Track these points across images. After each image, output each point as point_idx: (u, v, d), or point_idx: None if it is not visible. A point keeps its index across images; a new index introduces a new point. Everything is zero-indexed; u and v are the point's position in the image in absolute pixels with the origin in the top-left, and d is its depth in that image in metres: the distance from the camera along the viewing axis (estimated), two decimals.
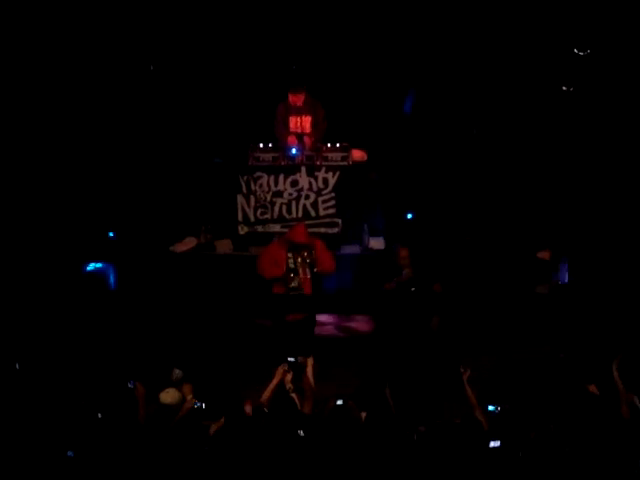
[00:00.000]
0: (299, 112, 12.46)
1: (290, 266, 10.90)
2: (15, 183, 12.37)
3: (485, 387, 8.54)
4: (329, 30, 13.05)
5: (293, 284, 10.90)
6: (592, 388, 8.26)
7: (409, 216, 12.88)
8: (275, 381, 8.30)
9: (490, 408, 7.86)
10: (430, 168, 13.22)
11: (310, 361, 8.63)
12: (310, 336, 10.78)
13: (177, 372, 9.64)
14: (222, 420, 7.95)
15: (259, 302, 11.30)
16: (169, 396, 8.49)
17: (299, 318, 10.86)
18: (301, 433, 7.56)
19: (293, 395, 8.37)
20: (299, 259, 10.94)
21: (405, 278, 10.95)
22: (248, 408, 7.92)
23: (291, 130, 12.48)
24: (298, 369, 8.73)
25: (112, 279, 12.26)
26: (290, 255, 10.93)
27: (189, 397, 8.84)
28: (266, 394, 8.14)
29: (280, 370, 8.39)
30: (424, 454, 7.33)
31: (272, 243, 11.56)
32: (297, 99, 12.41)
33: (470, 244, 12.52)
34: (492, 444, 7.34)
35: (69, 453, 7.68)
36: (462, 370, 8.37)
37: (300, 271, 10.93)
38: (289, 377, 8.48)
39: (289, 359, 8.46)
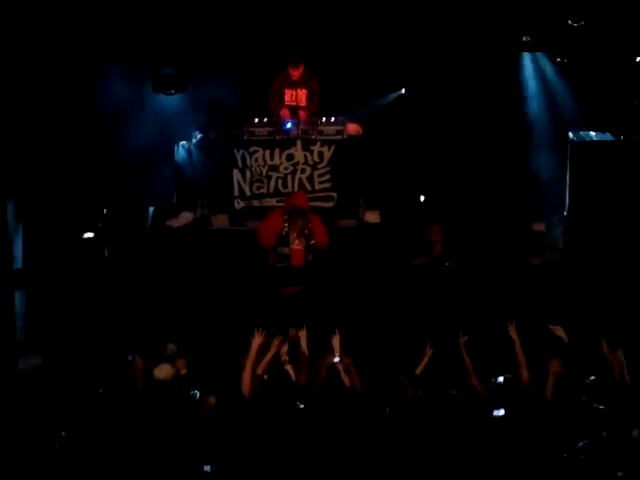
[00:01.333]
0: (294, 85, 12.47)
1: (283, 233, 10.97)
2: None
3: (480, 356, 8.59)
4: (325, 4, 13.00)
5: (281, 251, 11.02)
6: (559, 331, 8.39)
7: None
8: (270, 353, 8.34)
9: (499, 379, 7.91)
10: (426, 142, 13.22)
11: (303, 333, 8.68)
12: (305, 309, 10.80)
13: (171, 347, 9.66)
14: (212, 398, 8.02)
15: (255, 275, 11.33)
16: (163, 372, 8.50)
17: (295, 291, 10.92)
18: (300, 405, 7.61)
19: (288, 367, 8.42)
20: (294, 228, 11.02)
21: (437, 253, 11.13)
22: (245, 384, 7.93)
23: (286, 103, 12.50)
24: (293, 341, 8.81)
25: (106, 251, 12.28)
26: (286, 223, 11.09)
27: (183, 372, 8.90)
28: (261, 366, 8.18)
29: (275, 342, 8.43)
30: (423, 424, 7.39)
31: (273, 212, 11.65)
32: (296, 72, 12.42)
33: (467, 217, 12.55)
34: (496, 413, 7.41)
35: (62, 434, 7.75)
36: (460, 335, 8.46)
37: (293, 240, 11.03)
38: (284, 349, 8.54)
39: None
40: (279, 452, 7.29)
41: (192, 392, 8.08)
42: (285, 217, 11.31)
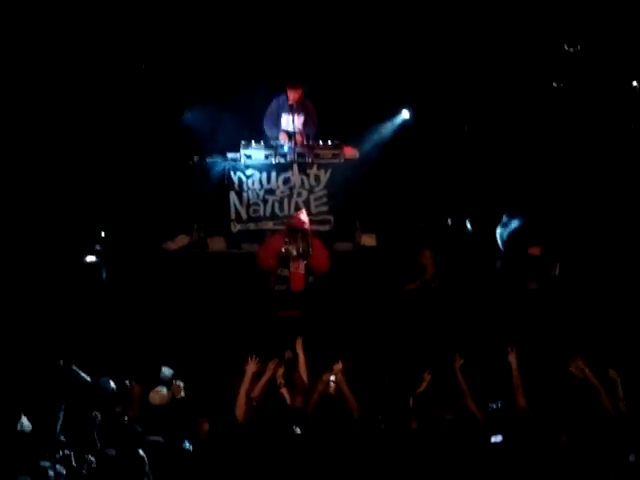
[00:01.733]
0: (291, 110, 12.50)
1: (282, 255, 11.02)
2: (9, 182, 12.36)
3: (476, 380, 8.59)
4: (322, 29, 13.05)
5: (281, 273, 11.05)
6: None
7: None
8: (266, 377, 8.32)
9: (493, 405, 7.90)
10: (422, 165, 13.25)
11: (302, 357, 8.66)
12: (304, 332, 10.78)
13: (167, 371, 9.64)
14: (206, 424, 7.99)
15: (251, 299, 11.32)
16: (158, 397, 8.52)
17: (293, 314, 10.92)
18: (297, 430, 7.60)
19: (283, 390, 8.40)
20: (294, 250, 11.03)
21: (429, 277, 11.15)
22: (239, 409, 7.91)
23: (283, 127, 12.52)
24: (290, 365, 8.80)
25: (104, 274, 12.26)
26: (286, 243, 11.16)
27: (179, 396, 8.87)
28: (257, 390, 8.16)
29: (271, 365, 8.41)
30: (420, 450, 7.37)
31: (274, 234, 11.70)
32: (295, 94, 12.46)
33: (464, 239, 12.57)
34: (494, 439, 7.39)
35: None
36: (456, 358, 8.46)
37: (293, 263, 11.04)
38: (280, 372, 8.51)
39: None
40: (273, 476, 7.27)
41: (184, 444, 7.95)
42: (286, 239, 11.34)
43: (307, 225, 11.46)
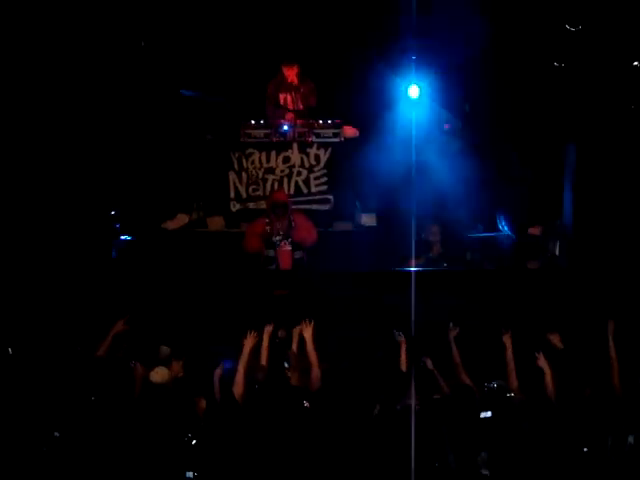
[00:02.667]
0: (289, 88, 12.48)
1: (266, 235, 11.06)
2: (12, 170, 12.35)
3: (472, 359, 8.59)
4: (321, 6, 12.99)
5: (267, 254, 11.08)
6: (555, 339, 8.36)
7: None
8: (265, 343, 8.31)
9: (493, 384, 7.89)
10: (421, 145, 13.19)
11: (296, 334, 8.62)
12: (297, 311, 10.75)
13: (164, 349, 9.62)
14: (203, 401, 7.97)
15: (249, 278, 11.30)
16: (158, 375, 8.48)
17: (283, 293, 10.90)
18: (305, 404, 7.60)
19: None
20: (279, 228, 11.06)
21: (436, 253, 11.11)
22: (238, 387, 7.88)
23: (282, 106, 12.48)
24: (283, 343, 8.79)
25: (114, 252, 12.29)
26: (268, 222, 11.18)
27: (179, 374, 8.86)
28: (263, 359, 8.14)
29: (267, 330, 8.40)
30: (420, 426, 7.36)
31: (256, 219, 11.70)
32: (291, 72, 12.43)
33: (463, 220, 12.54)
34: (483, 415, 7.38)
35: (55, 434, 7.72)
36: (450, 327, 8.45)
37: (279, 242, 11.05)
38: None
39: None
40: (270, 456, 7.26)
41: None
42: (266, 219, 11.34)
43: (285, 198, 11.52)
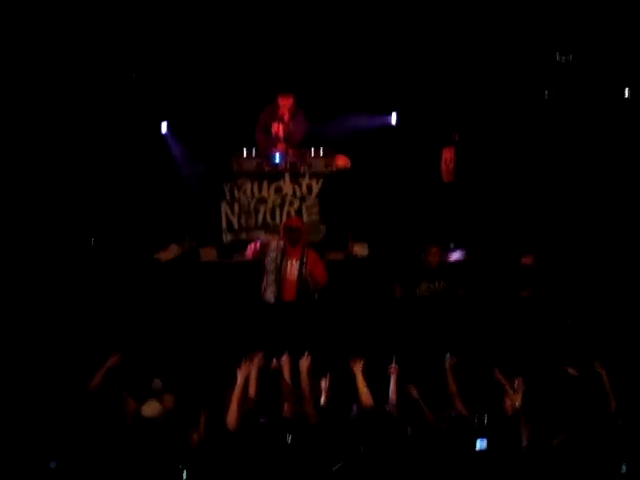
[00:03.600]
0: (281, 119, 12.49)
1: (277, 263, 10.97)
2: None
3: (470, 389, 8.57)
4: (313, 37, 13.05)
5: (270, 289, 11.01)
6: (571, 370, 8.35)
7: None
8: (254, 374, 8.27)
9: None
10: (413, 175, 13.23)
11: (286, 364, 8.58)
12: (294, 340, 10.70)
13: (157, 382, 9.58)
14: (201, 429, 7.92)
15: (243, 309, 11.25)
16: (150, 409, 8.44)
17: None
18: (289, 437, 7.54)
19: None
20: (292, 261, 11.00)
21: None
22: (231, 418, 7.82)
23: (273, 136, 12.50)
24: (274, 373, 8.74)
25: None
26: (280, 252, 11.07)
27: (171, 408, 8.81)
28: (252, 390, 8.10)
29: (256, 361, 8.37)
30: (416, 456, 7.32)
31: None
32: (286, 102, 12.46)
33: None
34: (479, 445, 7.35)
35: (52, 464, 7.66)
36: (447, 358, 8.42)
37: (285, 264, 10.92)
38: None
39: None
40: None
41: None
42: (281, 243, 11.23)
43: (300, 223, 11.49)
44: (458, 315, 11.05)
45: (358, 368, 8.33)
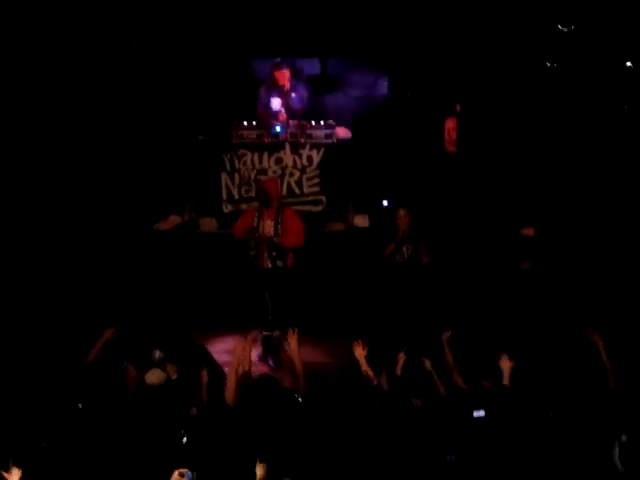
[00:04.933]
0: (281, 90, 12.44)
1: (254, 224, 10.76)
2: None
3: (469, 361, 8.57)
4: (314, 10, 12.97)
5: (251, 252, 10.78)
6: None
7: (385, 203, 12.78)
8: (248, 350, 8.28)
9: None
10: (413, 147, 13.20)
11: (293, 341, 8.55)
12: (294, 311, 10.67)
13: (157, 353, 9.59)
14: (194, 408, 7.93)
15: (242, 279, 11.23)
16: (155, 377, 8.44)
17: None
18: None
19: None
20: (267, 222, 10.78)
21: (402, 236, 10.84)
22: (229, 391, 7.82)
23: (273, 110, 12.45)
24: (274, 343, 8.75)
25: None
26: (256, 214, 10.83)
27: (173, 377, 8.83)
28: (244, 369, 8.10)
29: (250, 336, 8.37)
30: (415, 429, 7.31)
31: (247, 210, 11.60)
32: (282, 76, 12.40)
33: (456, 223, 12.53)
34: (476, 414, 7.34)
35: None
36: (443, 330, 8.41)
37: (263, 231, 10.76)
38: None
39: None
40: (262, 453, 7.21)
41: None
42: (256, 212, 10.97)
43: (273, 187, 11.11)
44: (458, 286, 11.08)
45: (361, 354, 8.25)
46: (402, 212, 10.87)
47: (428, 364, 8.36)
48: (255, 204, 11.56)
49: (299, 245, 10.90)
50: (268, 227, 10.78)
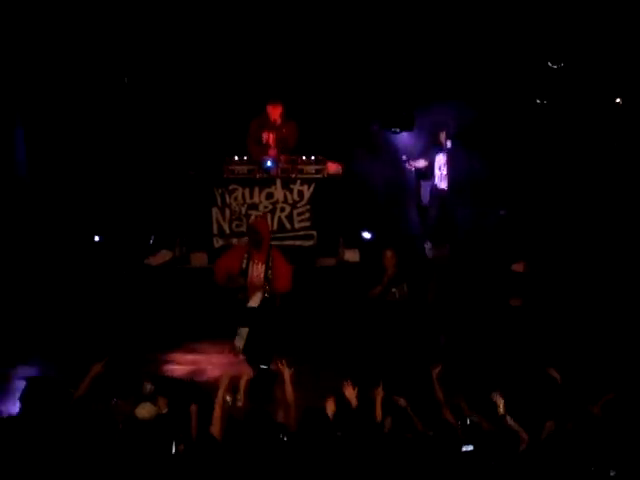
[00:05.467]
0: (272, 127, 12.49)
1: (243, 266, 10.38)
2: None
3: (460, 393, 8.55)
4: (302, 45, 13.06)
5: (240, 295, 10.43)
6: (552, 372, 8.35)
7: (367, 235, 12.81)
8: (243, 386, 8.27)
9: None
10: (404, 181, 13.27)
11: (287, 374, 8.53)
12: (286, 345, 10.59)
13: (148, 386, 9.55)
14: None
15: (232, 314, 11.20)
16: (145, 411, 8.40)
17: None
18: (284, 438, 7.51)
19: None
20: (257, 265, 10.42)
21: (390, 277, 10.69)
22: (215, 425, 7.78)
23: (264, 144, 12.50)
24: (270, 378, 8.70)
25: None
26: (246, 256, 10.39)
27: (164, 410, 8.79)
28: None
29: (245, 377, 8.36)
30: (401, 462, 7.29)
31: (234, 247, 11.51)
32: (275, 111, 12.45)
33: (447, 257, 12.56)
34: (465, 448, 7.32)
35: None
36: (434, 367, 8.40)
37: (252, 272, 10.38)
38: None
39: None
40: None
41: None
42: (245, 254, 10.47)
43: (264, 228, 10.70)
44: (444, 323, 11.07)
45: (351, 394, 8.21)
46: (389, 253, 10.49)
47: (402, 402, 8.33)
48: (245, 239, 11.43)
49: (289, 289, 10.55)
50: (258, 271, 10.36)
